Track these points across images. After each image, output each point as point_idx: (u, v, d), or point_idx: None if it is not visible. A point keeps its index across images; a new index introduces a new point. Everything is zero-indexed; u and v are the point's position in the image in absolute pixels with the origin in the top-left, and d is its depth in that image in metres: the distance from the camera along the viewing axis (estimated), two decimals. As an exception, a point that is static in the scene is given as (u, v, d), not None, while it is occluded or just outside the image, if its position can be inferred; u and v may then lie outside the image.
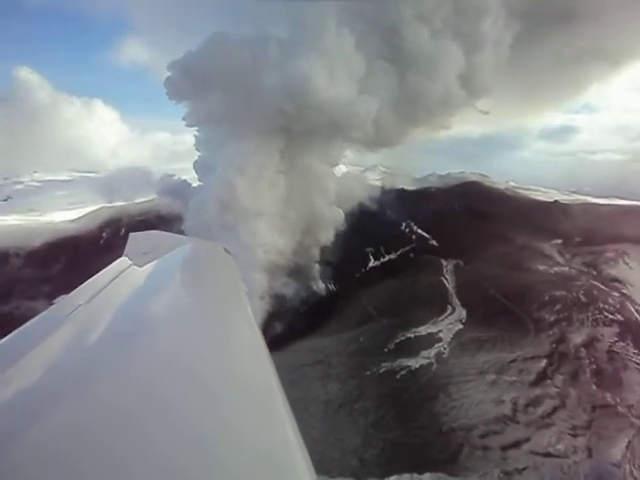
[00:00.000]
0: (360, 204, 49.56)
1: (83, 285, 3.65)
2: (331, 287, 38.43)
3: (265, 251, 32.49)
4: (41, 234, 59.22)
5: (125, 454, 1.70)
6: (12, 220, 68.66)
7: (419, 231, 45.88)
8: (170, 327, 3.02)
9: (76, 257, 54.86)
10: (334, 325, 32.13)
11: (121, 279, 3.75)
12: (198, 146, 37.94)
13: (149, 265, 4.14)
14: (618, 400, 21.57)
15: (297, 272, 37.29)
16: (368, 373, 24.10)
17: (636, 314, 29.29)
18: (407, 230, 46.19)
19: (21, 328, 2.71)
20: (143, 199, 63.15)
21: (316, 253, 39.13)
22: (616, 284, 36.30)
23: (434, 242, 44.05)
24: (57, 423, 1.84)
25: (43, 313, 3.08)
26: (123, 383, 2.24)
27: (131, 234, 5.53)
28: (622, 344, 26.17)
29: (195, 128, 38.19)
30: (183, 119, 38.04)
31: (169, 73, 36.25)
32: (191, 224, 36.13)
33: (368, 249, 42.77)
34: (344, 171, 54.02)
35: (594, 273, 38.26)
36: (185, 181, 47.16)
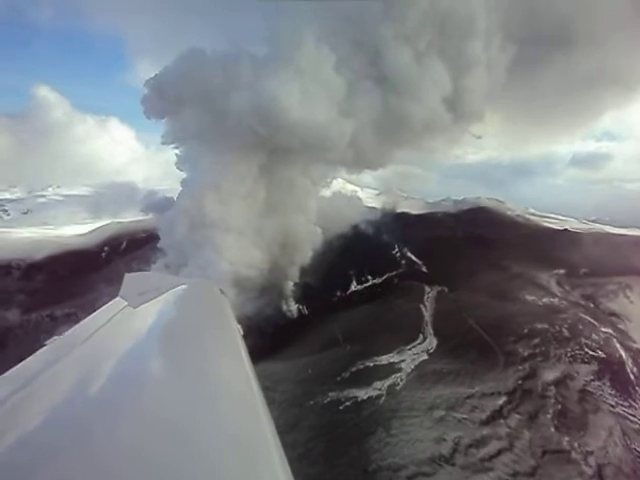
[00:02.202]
0: (354, 226, 48.71)
1: (78, 325, 3.79)
2: (303, 309, 37.37)
3: (232, 264, 31.74)
4: (47, 247, 61.08)
5: None
6: (25, 233, 71.08)
7: (410, 256, 44.53)
8: (164, 373, 3.10)
9: (72, 271, 55.97)
10: (295, 349, 31.04)
11: (116, 321, 3.84)
12: (179, 164, 38.01)
13: (144, 306, 4.19)
14: (576, 445, 19.83)
15: (269, 291, 36.44)
16: (311, 402, 22.90)
17: (620, 351, 27.39)
18: (398, 255, 44.93)
19: (15, 368, 2.82)
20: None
21: (293, 273, 38.22)
22: (612, 318, 34.47)
23: (424, 268, 42.63)
24: (49, 470, 1.91)
25: (37, 353, 3.17)
26: (117, 430, 2.28)
27: (126, 275, 5.65)
28: (598, 383, 24.44)
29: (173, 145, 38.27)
30: (161, 137, 38.36)
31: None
32: (165, 242, 36.01)
33: (352, 272, 41.61)
34: (335, 191, 53.17)
35: (591, 306, 36.41)
36: (169, 198, 47.41)
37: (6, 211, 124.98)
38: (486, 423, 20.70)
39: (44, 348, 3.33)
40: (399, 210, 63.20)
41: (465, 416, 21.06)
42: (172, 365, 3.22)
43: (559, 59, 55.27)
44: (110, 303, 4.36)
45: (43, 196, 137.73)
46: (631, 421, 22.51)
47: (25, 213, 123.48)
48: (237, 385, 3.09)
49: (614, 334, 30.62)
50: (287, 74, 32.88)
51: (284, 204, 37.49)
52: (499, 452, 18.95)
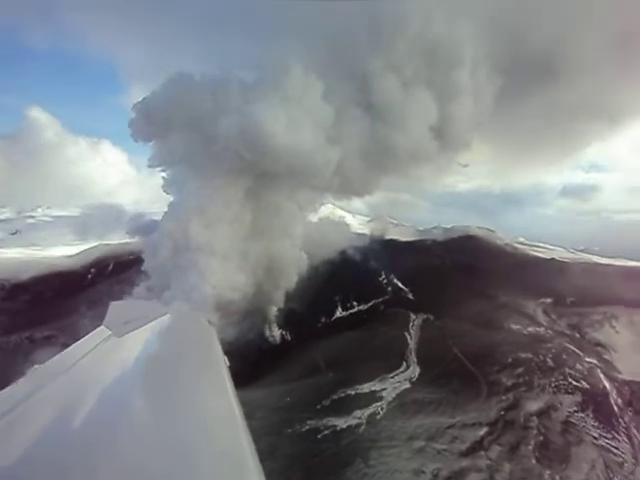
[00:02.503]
0: (342, 252, 48.55)
1: (61, 354, 3.80)
2: (287, 336, 36.93)
3: (215, 288, 31.40)
4: (33, 268, 60.26)
5: None
6: (12, 253, 70.31)
7: (397, 283, 44.37)
8: (148, 405, 3.02)
9: (57, 292, 55.28)
10: (276, 376, 30.55)
11: (99, 350, 3.78)
12: (166, 187, 37.98)
13: (128, 336, 4.13)
14: (557, 478, 19.46)
15: (252, 316, 36.04)
16: (289, 431, 22.39)
17: (604, 382, 27.15)
18: (385, 281, 44.72)
19: None
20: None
21: (278, 298, 37.84)
22: (598, 348, 34.34)
23: (410, 295, 42.42)
24: None
25: (19, 382, 3.10)
26: (101, 462, 2.23)
27: (112, 303, 5.66)
28: (581, 415, 24.17)
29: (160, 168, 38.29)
30: (148, 160, 38.42)
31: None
32: (149, 265, 35.68)
33: (338, 298, 41.32)
34: (323, 216, 53.20)
35: (577, 335, 36.37)
36: (155, 221, 47.18)
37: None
38: (466, 454, 20.32)
39: (26, 376, 3.31)
40: (388, 237, 63.21)
41: (445, 447, 20.67)
42: (156, 398, 3.13)
43: (544, 90, 56.30)
44: (94, 332, 4.35)
45: (32, 217, 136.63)
46: (614, 454, 22.18)
47: (14, 234, 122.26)
48: (222, 420, 3.03)
49: (599, 364, 30.46)
50: (274, 100, 33.17)
51: (270, 228, 37.38)
52: (478, 485, 18.54)
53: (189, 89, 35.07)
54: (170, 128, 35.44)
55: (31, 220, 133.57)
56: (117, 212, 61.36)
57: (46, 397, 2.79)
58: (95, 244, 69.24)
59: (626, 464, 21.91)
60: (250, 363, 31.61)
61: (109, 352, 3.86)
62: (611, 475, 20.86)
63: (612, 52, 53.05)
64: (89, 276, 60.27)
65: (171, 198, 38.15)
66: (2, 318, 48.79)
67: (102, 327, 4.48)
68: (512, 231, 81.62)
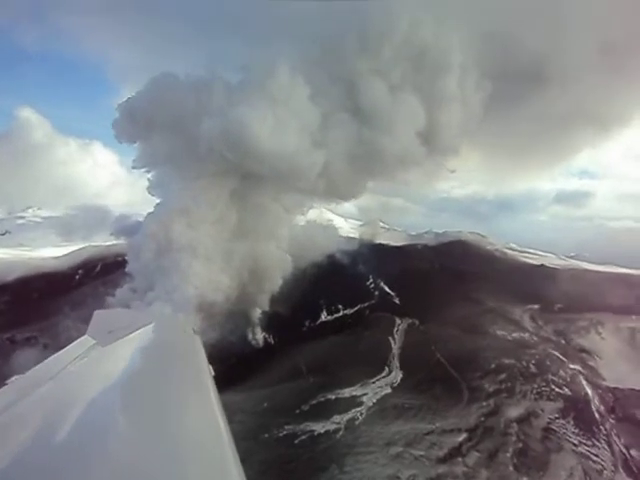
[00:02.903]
0: (329, 256, 48.35)
1: (43, 363, 3.68)
2: (269, 339, 36.65)
3: (197, 289, 31.14)
4: (19, 269, 59.77)
5: None
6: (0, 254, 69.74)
7: (384, 287, 44.22)
8: (130, 416, 2.94)
9: (41, 294, 54.75)
10: (256, 380, 30.26)
11: (83, 360, 3.71)
12: (151, 189, 37.72)
13: (113, 345, 4.08)
14: (534, 486, 19.23)
15: (235, 318, 35.75)
16: (266, 436, 22.12)
17: (587, 389, 27.05)
18: (372, 286, 44.57)
19: None
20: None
21: (263, 301, 37.57)
22: (583, 354, 34.29)
23: (396, 300, 42.28)
24: None
25: None
26: (83, 468, 2.21)
27: (96, 312, 5.53)
28: (562, 421, 24.03)
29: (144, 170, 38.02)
30: (132, 161, 38.18)
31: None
32: (132, 266, 35.41)
33: (323, 302, 41.10)
34: (310, 219, 52.96)
35: (562, 342, 36.29)
36: (140, 222, 46.88)
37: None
38: (443, 461, 20.13)
39: (5, 387, 3.18)
40: (379, 241, 63.12)
41: (422, 453, 20.48)
42: (139, 409, 3.05)
43: (534, 97, 56.50)
44: (77, 341, 4.25)
45: (23, 217, 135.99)
46: (593, 461, 22.03)
47: (3, 234, 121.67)
48: (206, 431, 2.95)
49: (583, 371, 30.40)
50: (259, 102, 33.03)
51: (255, 230, 37.16)
52: (454, 492, 18.34)
53: (173, 89, 34.88)
54: (153, 129, 35.22)
55: (21, 221, 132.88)
56: (102, 213, 60.87)
57: (26, 409, 2.73)
58: (83, 245, 68.86)
59: (605, 471, 21.78)
60: (231, 366, 31.34)
61: (93, 362, 3.76)
62: (590, 482, 20.71)
63: (602, 59, 53.38)
64: (76, 277, 59.86)
65: (158, 200, 37.93)
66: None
67: (85, 336, 4.37)
68: (505, 237, 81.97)
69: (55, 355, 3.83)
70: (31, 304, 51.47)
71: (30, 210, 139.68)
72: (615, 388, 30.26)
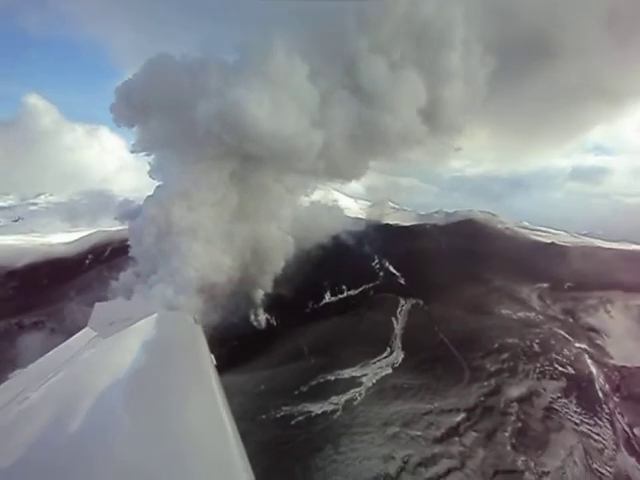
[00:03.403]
0: (335, 236, 48.06)
1: (45, 357, 3.77)
2: (272, 321, 36.68)
3: (197, 271, 31.09)
4: (29, 255, 60.74)
5: None
6: (11, 240, 70.84)
7: (390, 268, 43.92)
8: (133, 406, 3.02)
9: (50, 279, 55.50)
10: (257, 362, 30.38)
11: (84, 353, 3.79)
12: (152, 173, 37.52)
13: (114, 337, 4.16)
14: (532, 465, 19.20)
15: (238, 300, 35.76)
16: (264, 417, 22.24)
17: (591, 367, 26.73)
18: (377, 266, 44.31)
19: None
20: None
21: (266, 282, 37.45)
22: (590, 333, 33.80)
23: (402, 280, 41.96)
24: None
25: (2, 385, 3.17)
26: (88, 464, 2.21)
27: (97, 304, 5.67)
28: (564, 401, 23.82)
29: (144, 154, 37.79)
30: (131, 145, 37.98)
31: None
32: (135, 250, 35.44)
33: (327, 283, 40.95)
34: (314, 200, 52.45)
35: (570, 320, 35.86)
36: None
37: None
38: (440, 441, 20.07)
39: (8, 382, 3.29)
40: (387, 221, 62.72)
41: (419, 433, 20.43)
42: (143, 399, 3.13)
43: (542, 71, 54.96)
44: (79, 333, 4.34)
45: (35, 204, 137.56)
46: (595, 440, 21.85)
47: (16, 221, 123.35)
48: (208, 419, 3.11)
49: (589, 349, 30.09)
50: (255, 83, 32.42)
51: (256, 211, 36.85)
52: (448, 471, 18.32)
53: (169, 71, 34.36)
54: (150, 112, 34.88)
55: (33, 207, 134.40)
56: (106, 198, 61.21)
57: (31, 401, 2.74)
58: (93, 231, 69.60)
59: (607, 450, 21.62)
60: (233, 348, 31.54)
61: (96, 354, 3.82)
62: (590, 461, 20.57)
63: (611, 31, 51.59)
64: (86, 262, 60.55)
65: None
66: (-7, 304, 49.08)
67: (87, 328, 4.44)
68: (519, 215, 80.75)
69: (58, 347, 3.95)
70: (39, 289, 52.28)
71: (42, 197, 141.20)
72: (622, 367, 29.92)
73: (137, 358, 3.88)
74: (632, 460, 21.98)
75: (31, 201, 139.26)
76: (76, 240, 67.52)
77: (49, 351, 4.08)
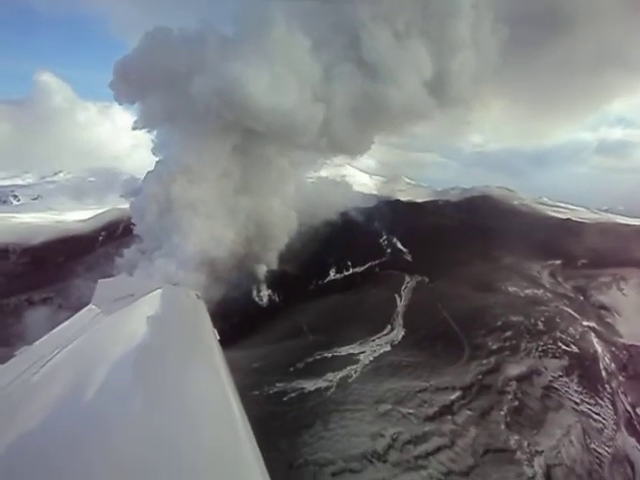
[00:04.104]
0: (343, 213, 47.59)
1: (49, 335, 3.73)
2: (274, 297, 36.61)
3: (196, 245, 31.01)
4: (45, 232, 62.11)
5: None
6: (28, 218, 72.38)
7: (397, 245, 43.39)
8: (136, 385, 3.03)
9: (66, 256, 56.47)
10: (257, 338, 30.45)
11: (88, 330, 3.77)
12: (154, 150, 37.32)
13: (117, 313, 4.17)
14: (525, 444, 18.81)
15: (241, 276, 35.72)
16: (256, 393, 22.19)
17: (596, 346, 26.08)
18: (385, 243, 43.82)
19: None
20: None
21: (270, 259, 37.29)
22: (601, 311, 33.01)
23: (409, 257, 41.46)
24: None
25: (5, 365, 3.12)
26: (94, 440, 2.22)
27: (100, 280, 5.63)
28: (565, 379, 23.30)
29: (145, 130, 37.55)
30: (133, 123, 37.73)
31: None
32: (139, 228, 35.61)
33: (332, 260, 40.64)
34: (322, 176, 51.86)
35: (580, 298, 35.03)
36: (149, 183, 46.98)
37: (16, 197, 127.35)
38: (432, 419, 19.78)
39: (13, 359, 3.24)
40: (401, 198, 62.01)
41: (411, 411, 20.16)
42: (147, 377, 3.12)
43: (557, 40, 52.76)
44: (83, 310, 4.31)
45: (53, 182, 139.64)
46: (594, 419, 21.37)
47: (35, 199, 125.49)
48: (213, 395, 3.04)
49: (597, 328, 29.39)
50: (254, 57, 31.68)
51: (259, 185, 36.47)
52: (437, 449, 18.03)
53: (167, 45, 33.83)
54: (148, 87, 34.54)
55: (51, 186, 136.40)
56: (113, 176, 61.67)
57: (34, 380, 2.74)
58: (108, 208, 70.63)
59: (606, 430, 21.15)
60: (234, 324, 31.63)
61: (98, 331, 3.82)
62: (588, 441, 20.14)
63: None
64: (99, 239, 61.51)
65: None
66: (4, 281, 50.24)
67: (91, 305, 4.45)
68: (540, 191, 79.18)
69: (61, 325, 3.86)
70: (52, 266, 53.26)
71: (60, 174, 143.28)
72: (631, 345, 29.17)
73: (141, 333, 3.82)
74: (632, 440, 21.51)
75: (49, 179, 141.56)
76: (91, 218, 68.67)
77: (54, 328, 4.03)
